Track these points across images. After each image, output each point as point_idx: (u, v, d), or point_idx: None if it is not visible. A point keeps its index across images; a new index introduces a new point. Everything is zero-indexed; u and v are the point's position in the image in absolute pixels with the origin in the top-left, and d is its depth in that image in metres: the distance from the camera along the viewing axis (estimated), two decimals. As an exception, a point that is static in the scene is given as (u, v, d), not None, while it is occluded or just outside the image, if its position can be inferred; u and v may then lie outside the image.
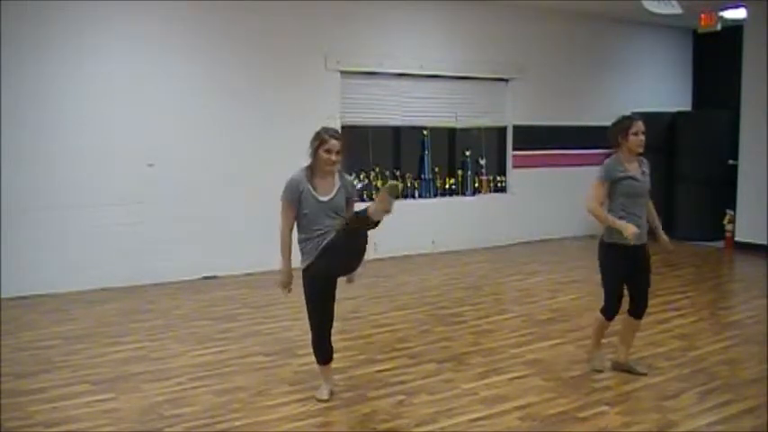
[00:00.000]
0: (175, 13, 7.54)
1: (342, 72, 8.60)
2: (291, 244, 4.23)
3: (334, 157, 4.20)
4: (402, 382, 4.65)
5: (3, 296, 6.61)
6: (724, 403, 4.29)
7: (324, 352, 4.36)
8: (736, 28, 9.74)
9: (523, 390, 4.52)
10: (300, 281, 4.22)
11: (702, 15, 9.54)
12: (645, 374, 4.75)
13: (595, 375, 4.77)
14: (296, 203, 4.19)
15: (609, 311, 4.80)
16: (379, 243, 8.89)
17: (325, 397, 4.32)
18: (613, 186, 4.67)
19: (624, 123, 4.70)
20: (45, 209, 6.95)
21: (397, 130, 9.38)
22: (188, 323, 6.07)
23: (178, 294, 7.07)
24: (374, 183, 9.07)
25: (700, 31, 10.06)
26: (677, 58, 11.73)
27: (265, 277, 7.85)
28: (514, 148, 10.09)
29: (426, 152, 9.53)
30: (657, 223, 4.91)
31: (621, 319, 4.86)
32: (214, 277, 7.81)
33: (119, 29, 7.24)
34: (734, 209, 9.79)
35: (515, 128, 10.09)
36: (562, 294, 7.21)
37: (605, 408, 4.22)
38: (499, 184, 10.04)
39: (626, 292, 4.81)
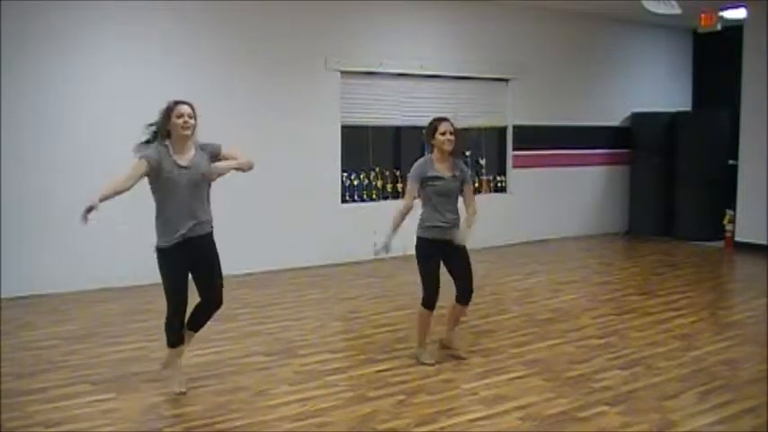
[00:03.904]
0: (175, 13, 7.54)
1: (342, 72, 8.60)
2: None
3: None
4: (402, 382, 4.65)
5: (3, 296, 6.61)
6: (724, 403, 4.29)
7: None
8: (736, 28, 9.74)
9: (523, 390, 4.52)
10: None
11: (702, 15, 9.54)
12: (464, 359, 5.07)
13: (595, 375, 4.77)
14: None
15: (426, 301, 4.99)
16: (379, 243, 8.91)
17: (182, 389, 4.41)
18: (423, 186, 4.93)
19: (432, 124, 4.99)
20: (45, 209, 6.95)
21: (397, 130, 9.38)
22: (188, 323, 6.06)
23: (178, 294, 7.06)
24: (374, 183, 9.07)
25: (700, 31, 10.06)
26: (677, 58, 11.74)
27: (265, 277, 7.86)
28: (514, 148, 10.09)
29: (426, 152, 9.51)
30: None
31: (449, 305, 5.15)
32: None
33: (119, 29, 7.24)
34: (734, 209, 9.79)
35: (515, 128, 10.09)
36: (562, 294, 7.21)
37: (605, 408, 4.22)
38: (499, 184, 10.03)
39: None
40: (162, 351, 5.26)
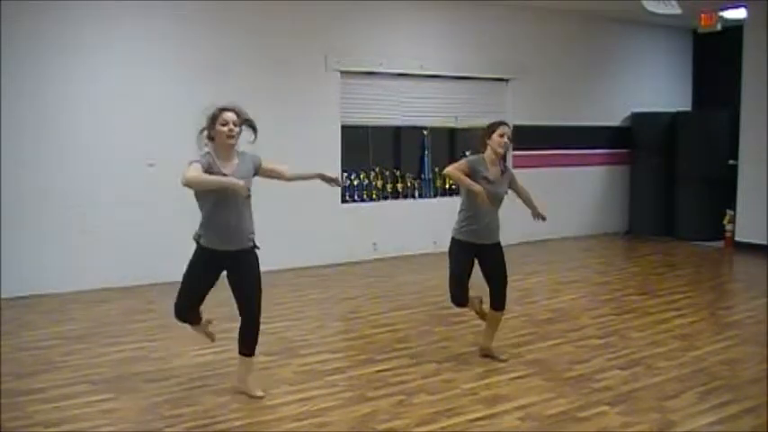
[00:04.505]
0: (175, 13, 7.53)
1: (342, 72, 8.60)
2: None
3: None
4: (402, 382, 4.65)
5: (3, 296, 6.61)
6: (724, 403, 4.29)
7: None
8: (736, 28, 9.74)
9: (523, 390, 4.53)
10: None
11: (702, 15, 9.54)
12: (504, 361, 5.04)
13: (595, 375, 4.77)
14: None
15: (452, 299, 5.08)
16: (378, 243, 8.93)
17: None
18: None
19: (491, 126, 5.04)
20: (45, 209, 6.95)
21: (397, 130, 9.38)
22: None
23: (178, 294, 7.06)
24: (374, 183, 9.08)
25: (700, 31, 10.06)
26: (677, 58, 11.73)
27: (265, 277, 7.83)
28: (514, 148, 10.04)
29: (426, 152, 9.53)
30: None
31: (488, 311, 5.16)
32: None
33: (119, 29, 7.24)
34: (734, 209, 9.80)
35: (515, 128, 10.03)
36: (562, 294, 7.22)
37: (605, 408, 4.22)
38: (499, 184, 10.03)
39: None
40: (163, 351, 5.29)
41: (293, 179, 4.62)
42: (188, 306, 4.45)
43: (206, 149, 4.24)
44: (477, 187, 4.76)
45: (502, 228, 5.13)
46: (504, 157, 5.05)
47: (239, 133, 4.24)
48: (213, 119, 4.22)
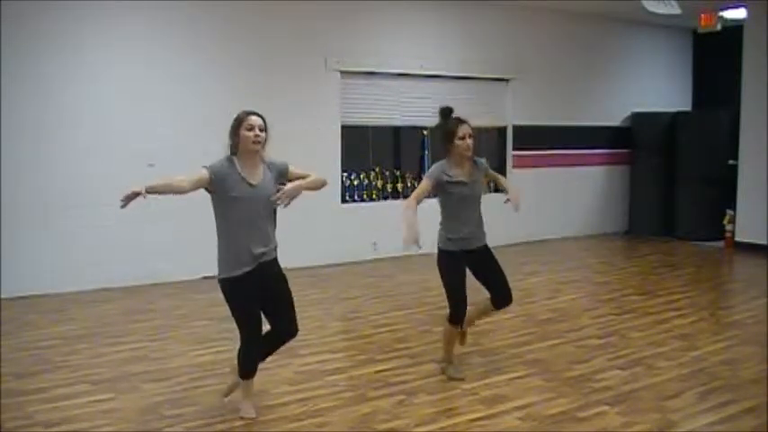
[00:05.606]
0: (176, 13, 7.54)
1: (342, 72, 8.60)
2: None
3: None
4: (402, 382, 4.65)
5: (3, 296, 6.61)
6: (724, 403, 4.29)
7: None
8: (736, 28, 9.74)
9: (523, 390, 4.52)
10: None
11: (702, 15, 9.55)
12: (461, 378, 4.69)
13: (595, 375, 4.77)
14: None
15: (453, 317, 4.71)
16: (378, 243, 8.92)
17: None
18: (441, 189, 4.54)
19: (449, 129, 4.51)
20: (45, 209, 6.95)
21: (397, 130, 9.38)
22: (188, 323, 6.07)
23: (178, 294, 7.07)
24: (374, 183, 9.08)
25: (700, 31, 10.06)
26: (677, 58, 11.74)
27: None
28: (514, 148, 10.09)
29: (426, 152, 9.53)
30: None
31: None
32: (214, 277, 7.78)
33: (119, 29, 7.24)
34: (734, 209, 9.80)
35: (515, 128, 10.09)
36: (562, 294, 7.21)
37: (605, 408, 4.22)
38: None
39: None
40: (162, 351, 5.29)
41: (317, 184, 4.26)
42: (256, 337, 4.02)
43: (231, 157, 3.95)
44: (405, 235, 4.26)
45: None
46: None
47: (266, 139, 3.95)
48: (238, 122, 3.92)
